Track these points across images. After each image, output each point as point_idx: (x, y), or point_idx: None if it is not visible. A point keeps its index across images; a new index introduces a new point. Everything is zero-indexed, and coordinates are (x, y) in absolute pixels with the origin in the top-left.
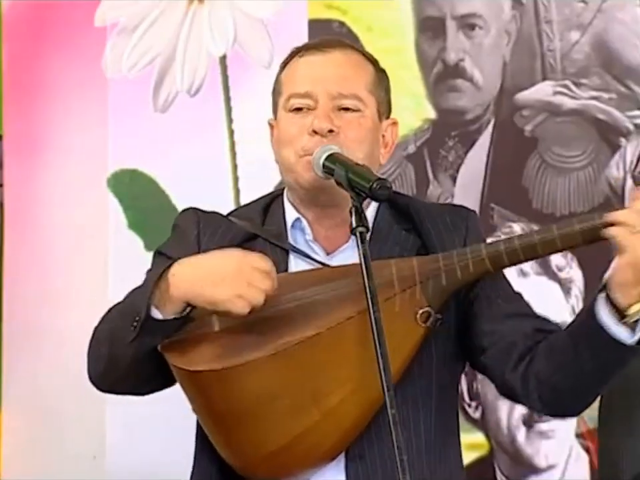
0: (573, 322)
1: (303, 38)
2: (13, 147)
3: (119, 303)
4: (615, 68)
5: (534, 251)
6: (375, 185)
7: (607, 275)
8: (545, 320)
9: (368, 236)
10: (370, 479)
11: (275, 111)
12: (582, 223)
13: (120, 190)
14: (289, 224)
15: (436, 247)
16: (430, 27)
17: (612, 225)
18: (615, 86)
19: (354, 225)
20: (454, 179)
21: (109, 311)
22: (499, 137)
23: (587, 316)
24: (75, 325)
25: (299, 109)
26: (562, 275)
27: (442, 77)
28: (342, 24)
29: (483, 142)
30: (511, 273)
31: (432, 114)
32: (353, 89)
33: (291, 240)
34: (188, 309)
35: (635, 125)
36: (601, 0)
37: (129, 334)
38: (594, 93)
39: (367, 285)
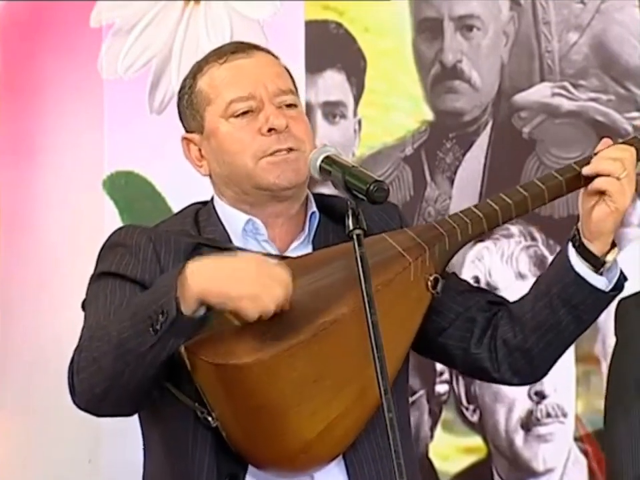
0: (537, 284)
1: (299, 39)
2: (7, 149)
3: (95, 321)
4: (613, 69)
5: (525, 206)
6: (372, 187)
7: (580, 226)
8: (491, 292)
9: (310, 249)
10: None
11: (197, 124)
12: (565, 174)
13: (116, 192)
14: (239, 228)
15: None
16: (427, 28)
17: (597, 175)
18: (614, 87)
19: (351, 227)
20: (452, 181)
21: (88, 330)
22: (496, 138)
23: (561, 271)
24: (71, 327)
25: (244, 113)
26: None
27: (439, 78)
28: (339, 25)
29: (481, 143)
30: (509, 275)
31: (429, 115)
32: (288, 84)
33: (241, 244)
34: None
35: (634, 127)
36: (600, 1)
37: (147, 339)
38: (592, 95)
39: (363, 288)
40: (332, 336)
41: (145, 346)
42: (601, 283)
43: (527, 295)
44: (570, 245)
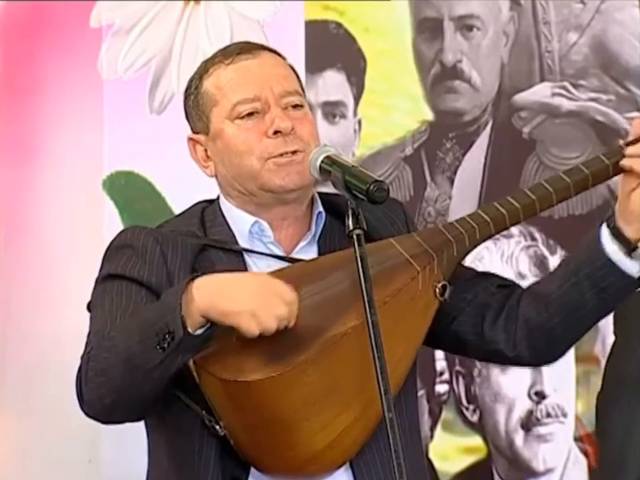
0: (565, 264)
1: (299, 39)
2: (7, 149)
3: (96, 330)
4: (613, 69)
5: (532, 209)
6: (372, 187)
7: (617, 209)
8: (498, 275)
9: (315, 249)
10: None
11: (203, 125)
12: (573, 176)
13: (115, 192)
14: (245, 229)
15: (382, 235)
16: (427, 28)
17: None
18: (614, 87)
19: (351, 227)
20: (451, 181)
21: (95, 336)
22: (496, 138)
23: (592, 253)
24: (71, 328)
25: (250, 114)
26: None
27: (439, 78)
28: (339, 25)
29: (481, 143)
30: (509, 275)
31: (429, 115)
32: (294, 85)
33: (247, 246)
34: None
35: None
36: (600, 1)
37: (155, 356)
38: (592, 95)
39: (363, 287)
40: (341, 349)
41: (152, 362)
42: (632, 268)
43: (553, 274)
44: (604, 227)
